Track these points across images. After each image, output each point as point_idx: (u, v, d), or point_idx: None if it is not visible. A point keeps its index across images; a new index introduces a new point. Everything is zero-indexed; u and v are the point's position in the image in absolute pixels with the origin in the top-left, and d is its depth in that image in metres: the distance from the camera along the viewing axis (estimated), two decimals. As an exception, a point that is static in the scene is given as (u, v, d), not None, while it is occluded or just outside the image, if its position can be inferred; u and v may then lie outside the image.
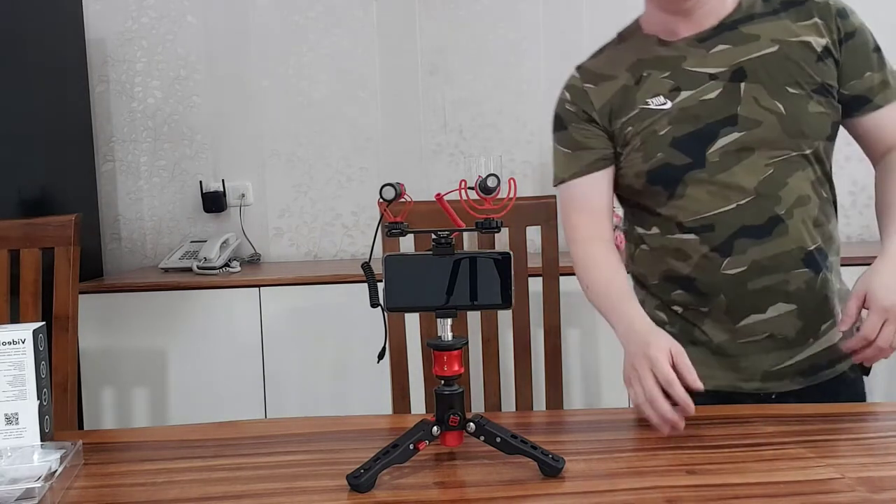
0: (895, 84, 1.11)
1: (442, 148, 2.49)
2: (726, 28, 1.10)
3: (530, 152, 2.48)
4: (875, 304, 0.96)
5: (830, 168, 1.14)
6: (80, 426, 1.98)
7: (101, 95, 2.50)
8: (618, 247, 2.14)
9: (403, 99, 2.50)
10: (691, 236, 1.12)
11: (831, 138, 1.11)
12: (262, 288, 2.07)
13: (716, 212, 1.09)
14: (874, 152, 1.14)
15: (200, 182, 2.48)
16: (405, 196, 0.87)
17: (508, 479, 0.82)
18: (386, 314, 0.87)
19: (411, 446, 0.83)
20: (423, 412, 1.26)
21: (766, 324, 1.10)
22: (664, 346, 0.94)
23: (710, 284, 1.11)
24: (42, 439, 0.93)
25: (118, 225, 2.53)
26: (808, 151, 1.09)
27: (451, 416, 0.85)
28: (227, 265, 2.24)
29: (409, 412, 1.41)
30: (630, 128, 1.13)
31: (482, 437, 0.85)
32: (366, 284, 0.86)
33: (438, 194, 0.88)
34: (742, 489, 0.78)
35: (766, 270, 1.09)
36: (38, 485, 0.79)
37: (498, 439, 0.85)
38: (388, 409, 1.43)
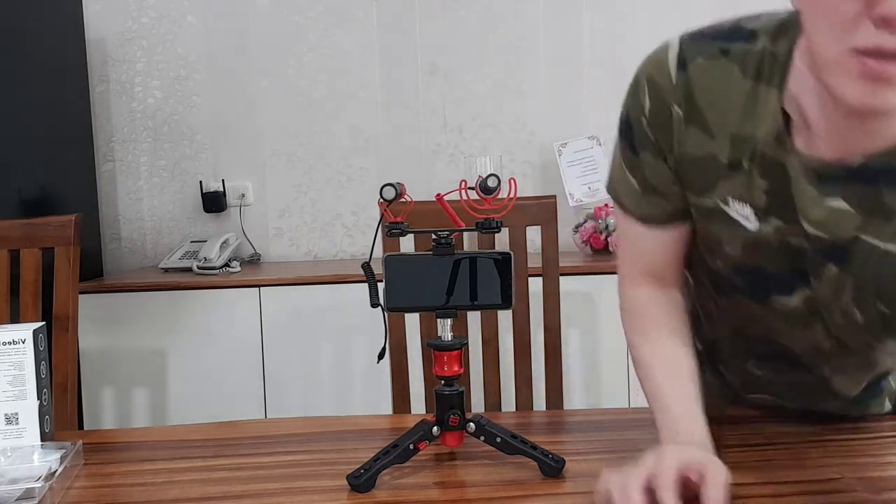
0: None
1: (442, 148, 2.49)
2: (864, 177, 0.69)
3: (531, 152, 2.48)
4: None
5: None
6: (81, 426, 1.98)
7: (101, 95, 2.50)
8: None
9: (403, 99, 2.50)
10: (727, 323, 0.91)
11: None
12: (262, 288, 2.07)
13: (756, 332, 0.87)
14: None
15: (200, 182, 2.48)
16: (405, 196, 0.87)
17: (509, 479, 0.82)
18: (386, 314, 0.87)
19: (411, 446, 0.83)
20: (424, 412, 1.26)
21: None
22: (705, 461, 0.69)
23: (732, 369, 0.95)
24: (42, 439, 0.93)
25: (118, 225, 2.53)
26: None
27: (451, 416, 0.84)
28: (227, 265, 2.24)
29: (410, 412, 1.41)
30: (698, 216, 0.81)
31: (482, 438, 0.85)
32: (366, 284, 0.86)
33: (438, 194, 0.88)
34: (742, 489, 0.78)
35: (790, 388, 0.91)
36: (38, 485, 0.79)
37: (498, 439, 0.85)
38: (389, 409, 1.43)
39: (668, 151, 0.79)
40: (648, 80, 0.78)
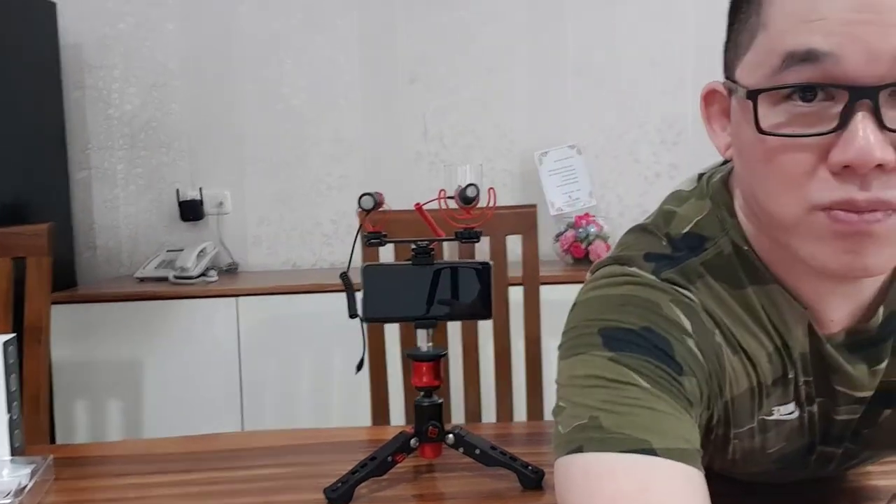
0: None
1: (422, 156, 2.49)
2: (890, 323, 0.63)
3: (511, 161, 2.48)
4: None
5: None
6: (53, 440, 1.95)
7: (76, 102, 2.47)
8: (598, 254, 2.16)
9: (384, 107, 2.49)
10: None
11: None
12: (239, 297, 2.05)
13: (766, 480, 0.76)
14: None
15: (178, 190, 2.45)
16: (384, 205, 0.86)
17: (488, 491, 0.81)
18: (364, 325, 0.86)
19: (390, 458, 0.82)
20: (403, 424, 1.25)
21: None
22: None
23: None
24: (12, 454, 0.90)
25: (93, 234, 2.49)
26: None
27: (430, 427, 0.84)
28: (204, 274, 2.22)
29: (388, 423, 1.40)
30: (736, 441, 0.65)
31: (461, 449, 0.84)
32: (345, 294, 0.85)
33: (418, 204, 0.87)
34: (721, 499, 0.77)
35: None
36: (8, 501, 0.77)
37: (477, 451, 0.84)
38: (367, 421, 1.41)
39: (719, 391, 0.61)
40: (675, 301, 0.59)
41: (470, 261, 0.85)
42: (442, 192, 0.82)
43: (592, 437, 0.53)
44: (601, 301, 0.61)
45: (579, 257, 2.20)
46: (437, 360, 0.85)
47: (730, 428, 0.63)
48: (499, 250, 1.38)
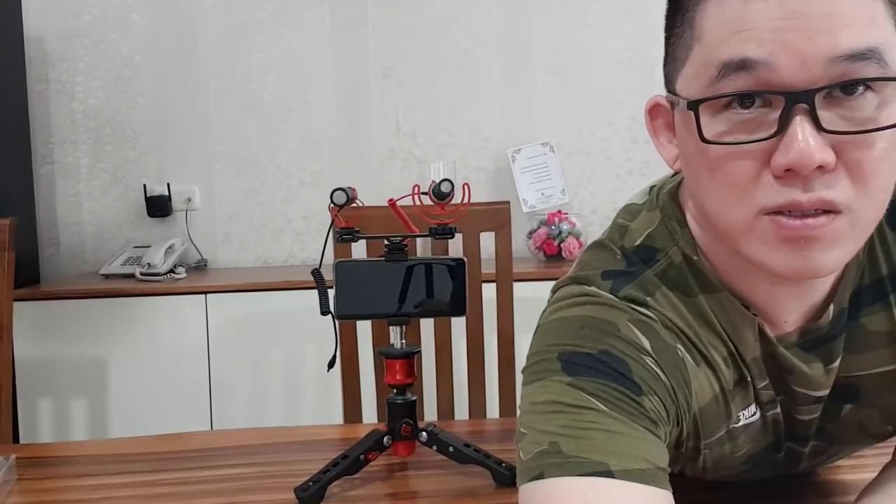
0: None
1: (395, 153, 2.48)
2: (842, 320, 0.64)
3: (484, 158, 2.48)
4: None
5: None
6: (16, 439, 1.90)
7: (39, 95, 2.41)
8: (570, 251, 2.17)
9: (356, 102, 2.47)
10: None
11: None
12: (208, 294, 2.02)
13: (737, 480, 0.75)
14: None
15: (144, 185, 2.41)
16: (357, 201, 0.85)
17: (461, 488, 0.81)
18: (336, 322, 0.85)
19: (362, 457, 0.81)
20: (375, 421, 1.24)
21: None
22: None
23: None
24: (-30, 455, 0.88)
25: (56, 230, 2.44)
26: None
27: (404, 425, 0.83)
28: (172, 271, 2.18)
29: (361, 422, 1.39)
30: (706, 451, 0.66)
31: (435, 447, 0.84)
32: (316, 291, 0.84)
33: (391, 199, 0.86)
34: (693, 495, 0.78)
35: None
36: (-36, 505, 0.75)
37: (451, 449, 0.83)
38: (339, 419, 1.40)
39: (687, 406, 0.61)
40: (632, 321, 0.60)
41: (444, 257, 0.84)
42: (416, 188, 0.81)
43: (552, 462, 0.54)
44: (560, 324, 0.62)
45: (552, 254, 2.21)
46: (411, 357, 0.84)
47: (700, 440, 0.64)
48: (472, 247, 1.37)
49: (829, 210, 0.51)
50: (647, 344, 0.59)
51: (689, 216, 0.64)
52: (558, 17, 2.47)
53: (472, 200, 0.85)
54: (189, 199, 2.43)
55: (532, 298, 2.03)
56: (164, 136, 2.44)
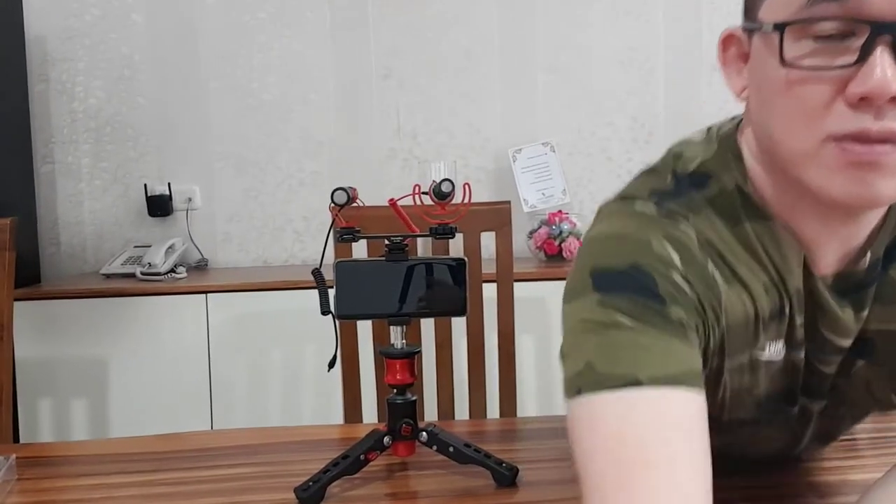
0: None
1: (395, 153, 2.47)
2: (873, 270, 0.65)
3: (485, 158, 2.48)
4: None
5: None
6: (17, 439, 1.90)
7: (40, 95, 2.41)
8: (571, 251, 2.17)
9: (356, 102, 2.47)
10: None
11: None
12: (209, 294, 2.02)
13: (744, 450, 0.77)
14: None
15: (145, 185, 2.41)
16: (357, 201, 0.85)
17: (461, 489, 0.81)
18: (337, 322, 0.85)
19: (362, 457, 0.81)
20: (375, 421, 1.24)
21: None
22: None
23: None
24: (-30, 455, 0.88)
25: (57, 229, 2.44)
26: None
27: (404, 425, 0.83)
28: (172, 271, 2.18)
29: (361, 421, 1.39)
30: (727, 376, 0.66)
31: (435, 447, 0.84)
32: (317, 291, 0.84)
33: (392, 199, 0.86)
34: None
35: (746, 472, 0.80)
36: (-36, 504, 0.75)
37: (451, 449, 0.83)
38: (339, 419, 1.40)
39: (716, 319, 0.62)
40: (667, 237, 0.61)
41: (444, 257, 0.84)
42: (417, 188, 0.81)
43: (587, 380, 0.57)
44: (596, 242, 0.64)
45: (553, 254, 2.21)
46: (411, 357, 0.84)
47: (724, 359, 0.64)
48: (473, 247, 1.37)
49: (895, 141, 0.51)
50: (676, 259, 0.60)
51: (744, 150, 0.65)
52: (559, 17, 2.47)
53: (472, 200, 0.85)
54: (189, 199, 2.43)
55: (532, 298, 2.03)
56: (164, 135, 2.44)
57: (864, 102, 0.51)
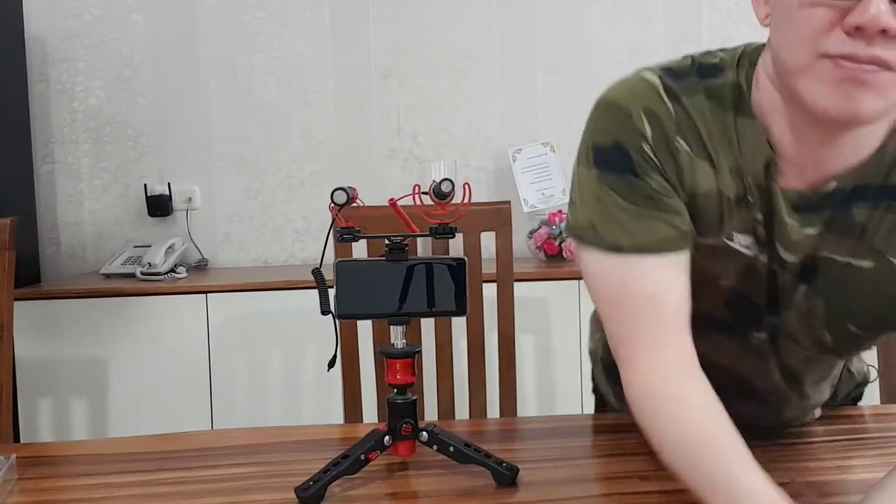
0: None
1: (395, 152, 2.47)
2: (838, 200, 0.72)
3: (485, 158, 2.48)
4: None
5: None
6: (17, 439, 1.90)
7: (40, 95, 2.41)
8: (571, 251, 2.17)
9: (356, 102, 2.47)
10: None
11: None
12: (209, 294, 2.02)
13: (717, 368, 0.79)
14: None
15: (145, 185, 2.41)
16: (357, 200, 0.85)
17: (462, 488, 0.81)
18: (337, 321, 0.85)
19: (362, 457, 0.81)
20: (376, 421, 1.24)
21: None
22: None
23: None
24: (-29, 454, 0.88)
25: (57, 229, 2.44)
26: (838, 360, 0.89)
27: (404, 425, 0.83)
28: (172, 271, 2.18)
29: (361, 421, 1.39)
30: (698, 255, 0.75)
31: (435, 447, 0.84)
32: (317, 291, 0.84)
33: (392, 199, 0.86)
34: (693, 495, 0.78)
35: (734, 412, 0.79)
36: (-36, 504, 0.75)
37: (451, 448, 0.83)
38: (340, 419, 1.40)
39: (679, 185, 0.73)
40: (645, 110, 0.73)
41: (444, 256, 0.84)
42: (416, 188, 0.81)
43: (591, 236, 0.75)
44: (599, 108, 0.77)
45: (553, 254, 2.21)
46: (411, 357, 0.84)
47: (695, 233, 0.75)
48: (473, 247, 1.37)
49: (882, 65, 0.60)
50: (648, 132, 0.73)
51: (759, 65, 0.73)
52: (559, 17, 2.47)
53: (472, 200, 0.85)
54: (189, 199, 2.43)
55: (533, 298, 2.02)
56: (164, 135, 2.44)
57: (858, 32, 0.60)
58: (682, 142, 0.73)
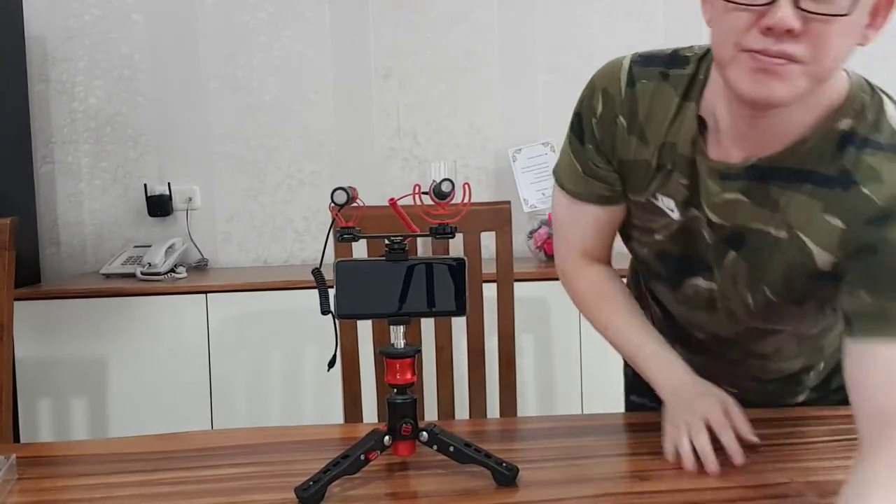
0: None
1: (395, 152, 2.48)
2: (757, 174, 0.84)
3: (485, 158, 2.48)
4: None
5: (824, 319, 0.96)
6: (17, 439, 1.90)
7: (40, 95, 2.41)
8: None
9: (356, 102, 2.47)
10: (657, 308, 1.08)
11: (819, 312, 0.93)
12: (209, 294, 2.02)
13: (680, 323, 1.04)
14: (857, 410, 0.77)
15: (145, 185, 2.41)
16: (357, 200, 0.85)
17: (462, 488, 0.81)
18: (337, 321, 0.85)
19: (362, 457, 0.81)
20: (376, 421, 1.24)
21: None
22: (718, 398, 0.90)
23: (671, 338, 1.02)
24: (-29, 454, 0.88)
25: (57, 229, 2.44)
26: (781, 328, 0.96)
27: (404, 425, 0.83)
28: (172, 271, 2.18)
29: (361, 421, 1.39)
30: (633, 208, 0.97)
31: (435, 447, 0.84)
32: (317, 291, 0.84)
33: (392, 199, 0.86)
34: (693, 494, 0.78)
35: (714, 372, 0.99)
36: (-36, 504, 0.75)
37: (451, 448, 0.83)
38: (340, 419, 1.40)
39: (612, 154, 0.95)
40: (602, 91, 0.93)
41: (444, 256, 0.84)
42: (417, 188, 0.81)
43: (557, 175, 1.03)
44: (589, 83, 0.96)
45: (552, 254, 2.20)
46: (411, 357, 0.84)
47: (627, 190, 0.96)
48: (473, 247, 1.37)
49: (788, 59, 0.73)
50: (599, 109, 0.94)
51: (714, 69, 0.87)
52: (559, 17, 2.47)
53: (472, 200, 0.85)
54: (189, 199, 2.43)
55: (532, 298, 2.02)
56: (164, 135, 2.44)
57: (769, 31, 0.72)
58: (622, 119, 0.92)
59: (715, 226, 0.89)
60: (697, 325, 1.01)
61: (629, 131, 0.92)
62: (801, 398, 1.10)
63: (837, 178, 0.80)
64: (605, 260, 1.06)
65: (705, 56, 0.89)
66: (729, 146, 0.86)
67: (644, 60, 0.92)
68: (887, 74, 2.22)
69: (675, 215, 0.92)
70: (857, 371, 0.77)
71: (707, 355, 1.03)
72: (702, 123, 0.87)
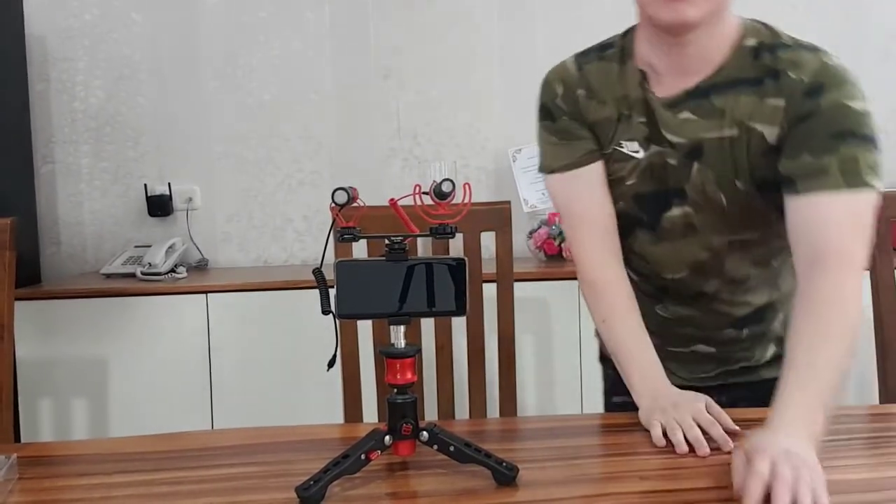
0: (841, 176, 0.92)
1: (396, 152, 2.48)
2: (699, 94, 1.01)
3: (485, 158, 2.48)
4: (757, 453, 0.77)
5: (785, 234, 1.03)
6: (18, 438, 1.90)
7: (40, 94, 2.41)
8: (570, 251, 2.16)
9: (356, 102, 2.47)
10: (632, 273, 1.16)
11: (781, 218, 1.01)
12: (209, 294, 2.02)
13: (654, 271, 1.14)
14: (795, 256, 0.96)
15: (145, 185, 2.41)
16: (358, 200, 0.85)
17: (462, 488, 0.81)
18: (337, 321, 0.85)
19: (363, 456, 0.81)
20: (376, 421, 1.24)
21: (689, 354, 1.18)
22: (699, 399, 0.96)
23: (645, 313, 1.10)
24: (-28, 454, 0.88)
25: (57, 229, 2.44)
26: (751, 237, 1.07)
27: (404, 424, 0.83)
28: (172, 271, 2.18)
29: (361, 421, 1.39)
30: (608, 163, 1.10)
31: (435, 446, 0.84)
32: (317, 291, 0.84)
33: (392, 199, 0.86)
34: (694, 494, 0.78)
35: (691, 321, 1.15)
36: (-35, 503, 0.75)
37: (451, 448, 0.83)
38: (340, 418, 1.40)
39: (581, 118, 1.10)
40: (558, 79, 1.12)
41: (444, 256, 0.84)
42: (417, 188, 0.81)
43: (541, 164, 1.16)
44: (544, 80, 1.15)
45: (552, 254, 2.21)
46: (412, 356, 0.84)
47: (600, 146, 1.10)
48: (473, 247, 1.37)
49: None
50: (560, 91, 1.11)
51: (638, 31, 1.07)
52: (559, 17, 2.47)
53: (472, 200, 0.85)
54: (190, 199, 2.43)
55: (532, 298, 2.02)
56: (164, 135, 2.44)
57: None
58: (581, 91, 1.09)
59: (676, 145, 1.03)
60: (679, 261, 1.11)
61: (588, 98, 1.09)
62: (770, 352, 1.18)
63: (765, 75, 0.98)
64: (614, 251, 1.12)
65: (626, 34, 1.10)
66: (669, 83, 1.03)
67: (581, 54, 1.12)
68: (887, 74, 2.23)
69: (640, 155, 1.06)
70: (797, 220, 0.95)
71: (688, 303, 1.14)
72: (642, 75, 1.05)
